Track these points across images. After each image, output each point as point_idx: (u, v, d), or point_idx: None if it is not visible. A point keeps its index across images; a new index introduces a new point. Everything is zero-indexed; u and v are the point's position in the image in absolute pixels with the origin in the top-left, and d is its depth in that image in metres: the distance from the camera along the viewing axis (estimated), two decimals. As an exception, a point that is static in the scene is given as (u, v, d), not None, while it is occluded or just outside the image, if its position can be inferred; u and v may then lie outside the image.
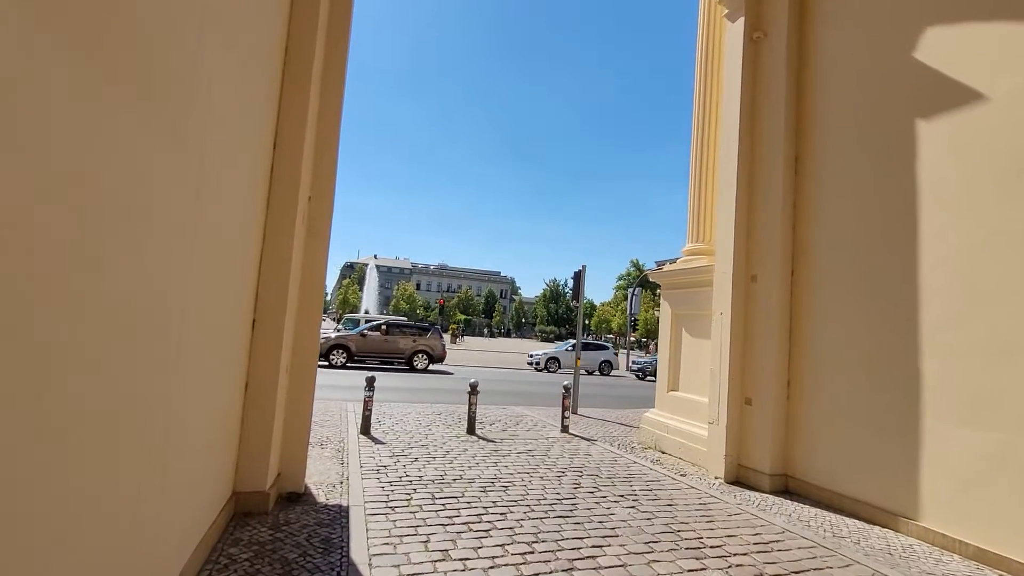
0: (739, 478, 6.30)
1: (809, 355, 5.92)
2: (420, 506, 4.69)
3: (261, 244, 4.20)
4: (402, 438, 7.65)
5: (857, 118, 5.69)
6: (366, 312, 45.13)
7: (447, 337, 36.79)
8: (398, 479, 5.50)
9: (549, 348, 30.22)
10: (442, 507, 4.71)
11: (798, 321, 6.10)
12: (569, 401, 9.17)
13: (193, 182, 2.37)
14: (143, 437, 2.15)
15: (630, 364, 30.10)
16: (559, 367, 24.86)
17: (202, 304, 2.91)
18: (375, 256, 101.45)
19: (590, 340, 29.06)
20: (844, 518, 5.20)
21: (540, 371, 24.38)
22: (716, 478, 6.39)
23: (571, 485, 5.75)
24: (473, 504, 4.85)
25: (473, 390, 8.51)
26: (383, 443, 7.20)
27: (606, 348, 26.97)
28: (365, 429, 7.79)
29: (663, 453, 7.73)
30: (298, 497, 4.61)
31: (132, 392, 1.97)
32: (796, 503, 5.62)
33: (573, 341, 25.26)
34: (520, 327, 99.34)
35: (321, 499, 4.70)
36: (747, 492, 5.96)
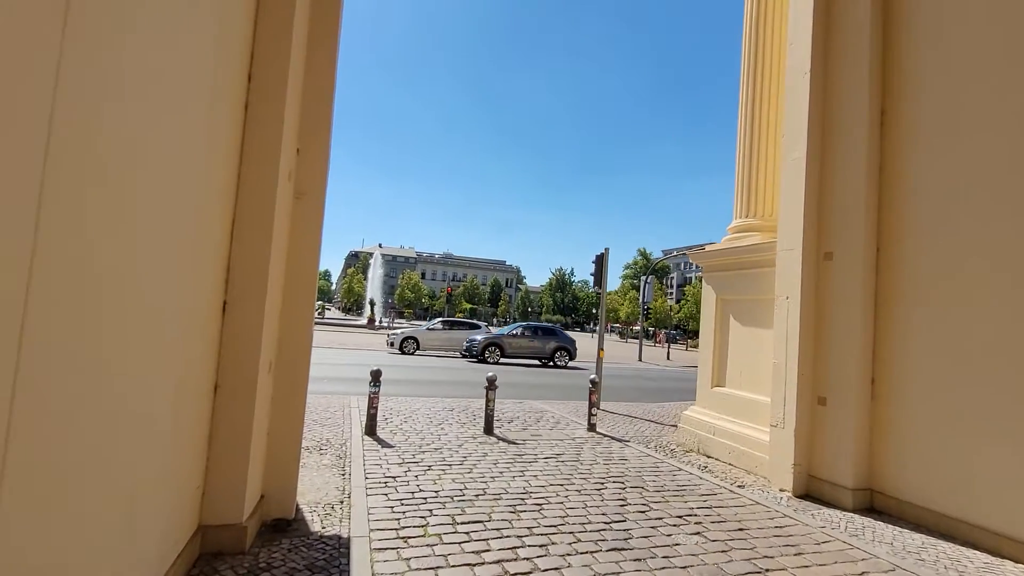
0: (809, 491, 5.36)
1: (902, 347, 4.93)
2: (439, 536, 3.76)
3: (233, 203, 3.24)
4: (412, 440, 6.74)
5: (980, 62, 4.63)
6: (371, 301, 44.27)
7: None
8: (410, 496, 4.58)
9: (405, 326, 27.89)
10: (466, 537, 3.79)
11: (886, 307, 5.10)
12: (596, 396, 8.24)
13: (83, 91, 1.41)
14: (44, 468, 1.23)
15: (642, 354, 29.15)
16: (417, 348, 21.76)
17: (139, 279, 1.97)
18: (380, 245, 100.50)
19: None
20: (960, 547, 4.24)
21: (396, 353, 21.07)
22: (782, 491, 5.44)
23: (616, 501, 4.82)
24: (504, 532, 3.93)
25: (491, 385, 7.58)
26: (391, 446, 6.30)
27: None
28: (370, 430, 6.88)
29: (709, 458, 6.79)
30: (287, 525, 3.70)
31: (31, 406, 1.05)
32: (890, 525, 4.67)
33: (439, 320, 24.51)
34: (526, 316, 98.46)
35: (316, 527, 3.79)
36: (824, 510, 5.01)
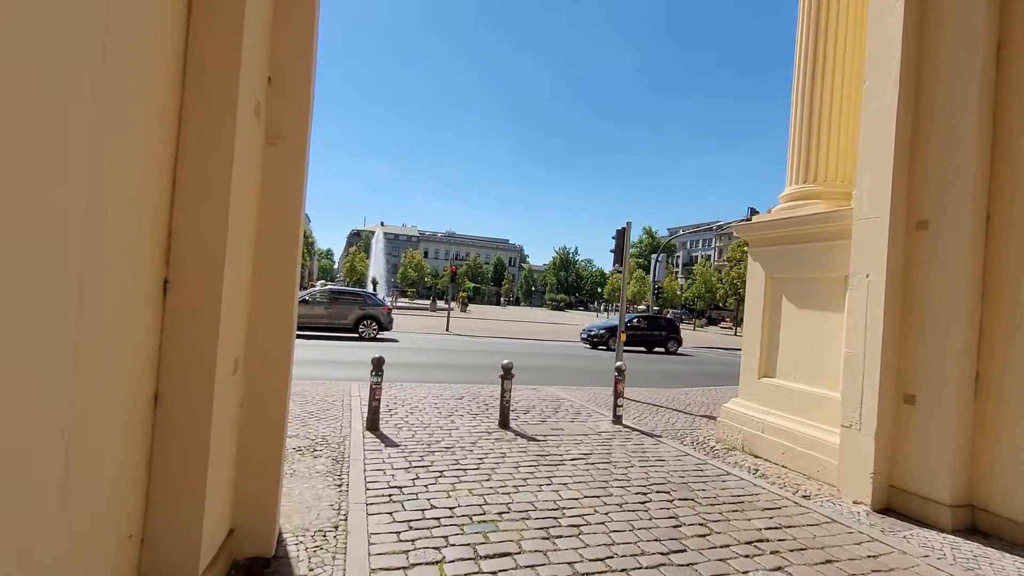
0: (891, 505, 4.53)
1: (1018, 335, 4.04)
2: (460, 579, 2.95)
3: (174, 145, 2.33)
4: (419, 436, 5.94)
5: None
6: (374, 280, 43.49)
7: (456, 306, 35.17)
8: (419, 516, 3.76)
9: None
10: (494, 579, 2.98)
11: (997, 286, 4.19)
12: (622, 386, 7.41)
13: None
14: None
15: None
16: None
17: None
18: (381, 223, 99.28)
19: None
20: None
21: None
22: (856, 504, 4.62)
23: (667, 520, 4.01)
24: (540, 572, 3.11)
25: (507, 373, 6.74)
26: (396, 444, 5.50)
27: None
28: (373, 424, 6.08)
29: (757, 458, 5.97)
30: (264, 567, 2.88)
31: None
32: (1007, 554, 3.85)
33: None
34: (530, 295, 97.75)
35: (302, 568, 2.98)
36: (917, 530, 4.19)
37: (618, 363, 7.43)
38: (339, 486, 4.30)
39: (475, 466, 5.00)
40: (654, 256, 30.41)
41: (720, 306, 63.23)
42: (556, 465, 5.21)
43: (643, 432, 6.98)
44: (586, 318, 54.58)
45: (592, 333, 21.22)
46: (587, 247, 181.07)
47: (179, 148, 2.36)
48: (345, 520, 3.63)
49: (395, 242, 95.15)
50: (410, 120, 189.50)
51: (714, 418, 8.39)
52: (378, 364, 6.12)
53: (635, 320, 22.35)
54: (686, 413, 8.68)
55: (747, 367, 6.48)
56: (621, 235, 10.21)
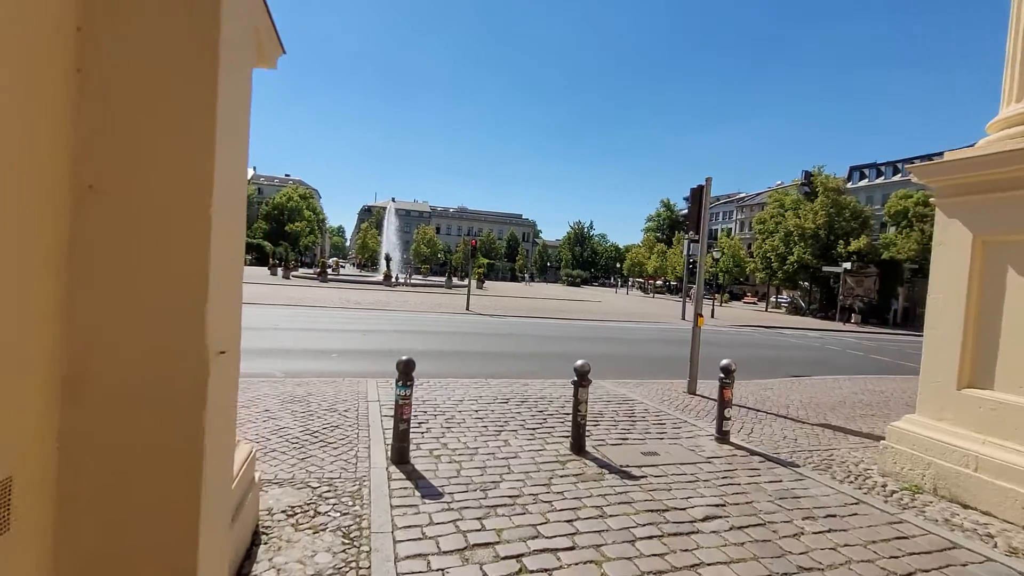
0: None
1: None
2: None
3: None
4: (466, 472, 4.14)
5: None
6: (387, 256, 41.71)
7: (473, 283, 33.26)
8: None
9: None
10: None
11: None
12: (730, 393, 5.50)
13: None
14: None
15: (686, 312, 26.33)
16: None
17: None
18: (393, 199, 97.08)
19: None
20: None
21: None
22: None
23: None
24: None
25: (582, 379, 4.85)
26: (436, 494, 3.69)
27: None
28: (400, 455, 4.28)
29: (968, 508, 4.06)
30: None
31: None
32: None
33: None
34: (544, 271, 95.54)
35: None
36: None
37: (725, 361, 5.50)
38: (354, 601, 2.49)
39: (566, 541, 3.16)
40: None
41: (741, 281, 60.61)
42: (689, 533, 3.36)
43: (766, 457, 5.10)
44: (606, 295, 52.54)
45: None
46: (603, 222, 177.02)
47: None
48: None
49: (407, 218, 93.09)
50: (421, 94, 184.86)
51: (839, 429, 6.49)
52: (406, 370, 4.26)
53: None
54: (797, 421, 6.77)
55: (934, 371, 4.52)
56: (699, 195, 8.15)
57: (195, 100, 1.56)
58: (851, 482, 4.57)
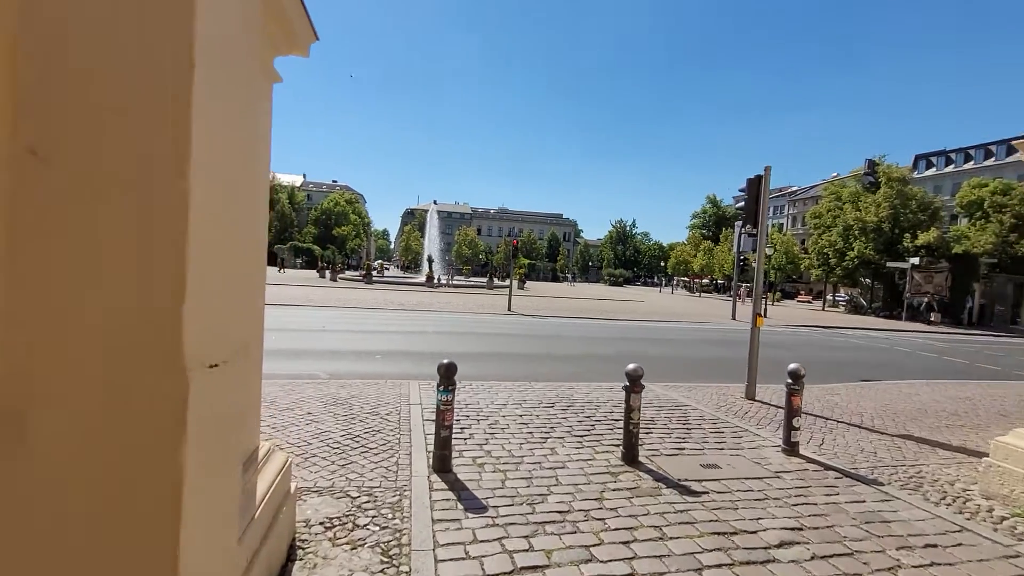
0: None
1: None
2: None
3: None
4: (512, 483, 3.89)
5: None
6: (429, 258, 42.19)
7: (515, 284, 33.04)
8: None
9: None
10: None
11: None
12: (799, 401, 5.00)
13: None
14: None
15: (735, 313, 25.20)
16: None
17: None
18: (434, 202, 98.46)
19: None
20: None
21: None
22: None
23: None
24: None
25: (635, 383, 4.50)
26: (480, 508, 3.45)
27: None
28: (442, 463, 4.07)
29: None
30: None
31: None
32: None
33: None
34: (586, 271, 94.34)
35: None
36: None
37: (793, 366, 5.01)
38: (392, 631, 2.28)
39: (623, 567, 2.85)
40: (738, 224, 26.97)
41: (794, 278, 57.69)
42: (764, 562, 2.97)
43: (843, 472, 4.58)
44: (650, 294, 51.20)
45: None
46: (646, 220, 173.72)
47: None
48: None
49: (448, 220, 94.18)
50: (461, 98, 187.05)
51: (924, 441, 5.84)
52: (447, 374, 4.06)
53: None
54: (874, 431, 6.15)
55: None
56: (756, 186, 7.59)
57: (167, 40, 1.28)
58: (948, 504, 4.01)
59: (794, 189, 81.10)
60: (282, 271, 43.19)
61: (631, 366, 4.57)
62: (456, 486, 3.81)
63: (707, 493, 3.94)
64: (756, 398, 7.46)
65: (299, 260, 58.81)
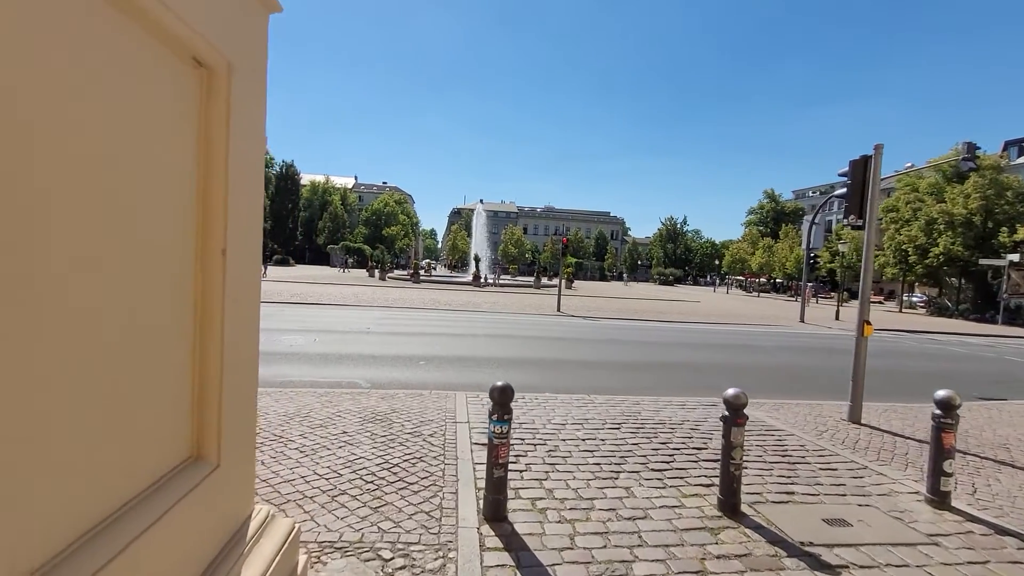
0: None
1: None
2: None
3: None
4: (584, 542, 3.06)
5: None
6: (476, 257, 41.83)
7: (563, 283, 31.99)
8: None
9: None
10: None
11: None
12: (952, 438, 3.87)
13: None
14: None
15: (804, 315, 23.19)
16: None
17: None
18: (481, 201, 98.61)
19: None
20: None
21: None
22: None
23: None
24: None
25: (736, 411, 3.56)
26: (547, 581, 2.64)
27: None
28: (495, 509, 3.29)
29: None
30: None
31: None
32: None
33: None
34: (634, 270, 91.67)
35: None
36: None
37: (943, 393, 3.89)
38: None
39: None
40: (806, 219, 24.86)
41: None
42: None
43: (1020, 536, 3.45)
44: (704, 294, 48.77)
45: None
46: (697, 217, 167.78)
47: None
48: None
49: (494, 219, 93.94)
50: (506, 96, 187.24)
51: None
52: (502, 401, 3.26)
53: None
54: (1013, 466, 4.89)
55: None
56: (863, 168, 6.39)
57: None
58: None
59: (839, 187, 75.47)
60: (264, 275, 39.10)
61: (731, 391, 3.62)
62: (513, 543, 3.01)
63: (846, 569, 2.95)
64: (863, 422, 6.27)
65: (351, 259, 60.31)
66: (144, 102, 1.22)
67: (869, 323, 6.27)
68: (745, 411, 3.65)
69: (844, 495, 4.04)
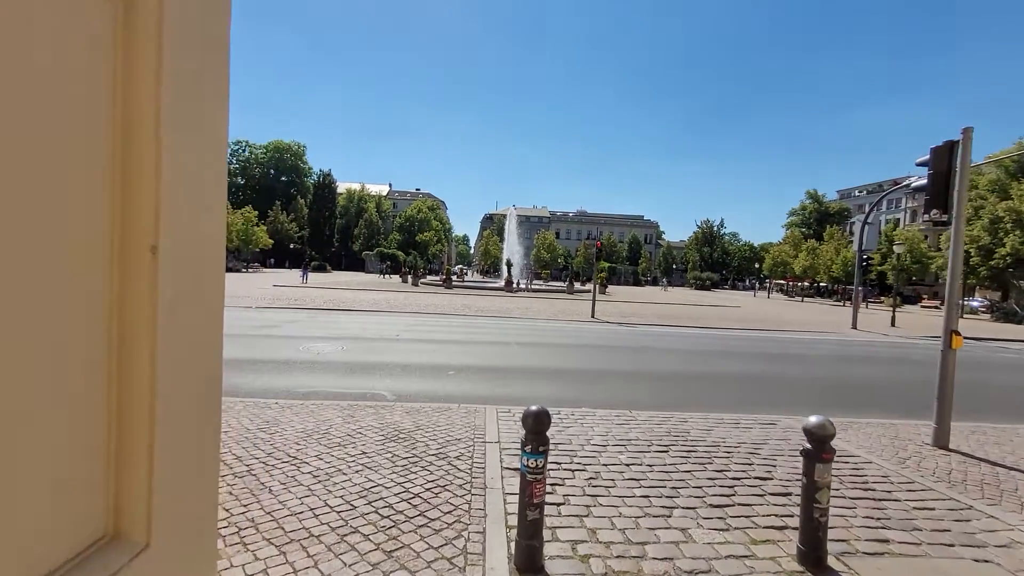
0: None
1: None
2: None
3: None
4: (639, 607, 2.48)
5: None
6: (508, 262, 41.46)
7: (595, 288, 31.15)
8: None
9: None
10: None
11: None
12: (1095, 477, 3.11)
13: None
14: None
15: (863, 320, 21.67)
16: None
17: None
18: (513, 206, 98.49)
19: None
20: None
21: None
22: None
23: None
24: None
25: (821, 445, 2.93)
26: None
27: None
28: (528, 560, 2.76)
29: None
30: None
31: None
32: None
33: None
34: (669, 274, 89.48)
35: None
36: None
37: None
38: None
39: None
40: (856, 219, 23.39)
41: (915, 280, 50.28)
42: None
43: None
44: (744, 299, 46.87)
45: None
46: (735, 220, 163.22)
47: None
48: None
49: (526, 224, 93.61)
50: (538, 102, 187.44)
51: None
52: (536, 428, 2.74)
53: None
54: None
55: None
56: (947, 156, 5.60)
57: None
58: None
59: (912, 179, 71.52)
60: (305, 281, 32.97)
61: (813, 419, 2.99)
62: (551, 605, 2.48)
63: (983, 656, 2.29)
64: (951, 447, 5.45)
65: (384, 265, 61.16)
66: (19, 33, 0.76)
67: (958, 333, 5.45)
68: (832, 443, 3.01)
69: (952, 544, 3.33)
